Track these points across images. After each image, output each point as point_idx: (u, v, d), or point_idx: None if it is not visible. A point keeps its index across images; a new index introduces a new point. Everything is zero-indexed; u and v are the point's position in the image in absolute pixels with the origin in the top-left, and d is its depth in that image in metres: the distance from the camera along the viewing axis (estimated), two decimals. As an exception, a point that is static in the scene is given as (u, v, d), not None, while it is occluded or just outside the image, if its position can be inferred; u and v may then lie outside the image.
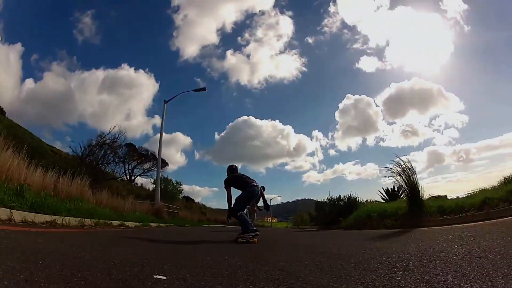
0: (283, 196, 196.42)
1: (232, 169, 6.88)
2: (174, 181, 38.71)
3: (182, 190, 39.97)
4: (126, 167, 39.63)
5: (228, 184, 6.49)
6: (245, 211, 6.91)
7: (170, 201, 28.02)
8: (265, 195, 7.89)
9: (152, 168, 40.77)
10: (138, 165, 40.96)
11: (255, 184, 6.55)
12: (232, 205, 6.32)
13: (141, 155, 41.64)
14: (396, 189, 13.48)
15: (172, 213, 22.54)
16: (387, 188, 14.44)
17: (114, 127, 23.64)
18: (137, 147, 41.55)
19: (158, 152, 22.38)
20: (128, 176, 39.80)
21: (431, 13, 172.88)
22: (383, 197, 14.37)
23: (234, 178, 6.63)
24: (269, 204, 9.40)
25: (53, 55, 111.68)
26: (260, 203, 10.21)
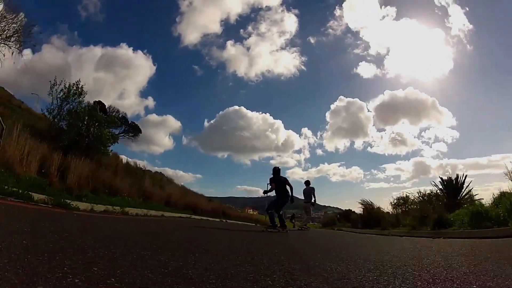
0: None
1: (276, 170, 9.28)
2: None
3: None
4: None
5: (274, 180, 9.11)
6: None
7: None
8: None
9: (124, 135, 33.89)
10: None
11: (287, 196, 9.02)
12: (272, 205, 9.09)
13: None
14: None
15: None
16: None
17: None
18: (106, 105, 34.28)
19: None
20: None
21: (435, 28, 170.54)
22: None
23: (277, 182, 9.06)
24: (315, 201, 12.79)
25: (54, 28, 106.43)
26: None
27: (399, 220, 11.72)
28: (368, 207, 14.54)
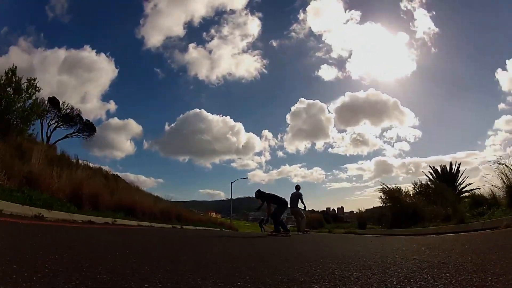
0: (226, 192, 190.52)
1: (261, 192, 9.74)
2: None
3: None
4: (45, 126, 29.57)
5: (265, 199, 9.72)
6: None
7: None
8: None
9: (78, 135, 31.33)
10: (59, 126, 30.92)
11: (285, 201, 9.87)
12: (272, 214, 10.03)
13: (66, 116, 31.62)
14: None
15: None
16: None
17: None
18: (60, 102, 31.44)
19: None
20: (45, 137, 29.55)
21: (399, 32, 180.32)
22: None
23: (271, 196, 9.75)
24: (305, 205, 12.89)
25: (23, 29, 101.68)
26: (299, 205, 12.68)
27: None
28: (395, 195, 12.11)
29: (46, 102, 31.31)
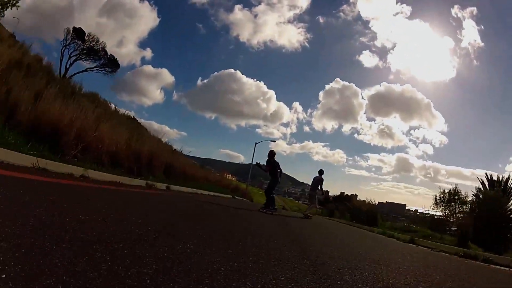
0: (246, 158, 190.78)
1: (273, 154, 10.29)
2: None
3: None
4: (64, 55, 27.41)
5: (271, 164, 10.17)
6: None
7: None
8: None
9: (100, 70, 29.06)
10: (80, 58, 28.65)
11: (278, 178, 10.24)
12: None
13: (90, 49, 29.20)
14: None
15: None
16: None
17: None
18: (86, 33, 28.93)
19: None
20: (63, 69, 27.42)
21: (445, 36, 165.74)
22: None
23: (276, 166, 10.11)
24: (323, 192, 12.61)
25: None
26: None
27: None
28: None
29: (70, 31, 29.31)
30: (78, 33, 28.89)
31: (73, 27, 29.31)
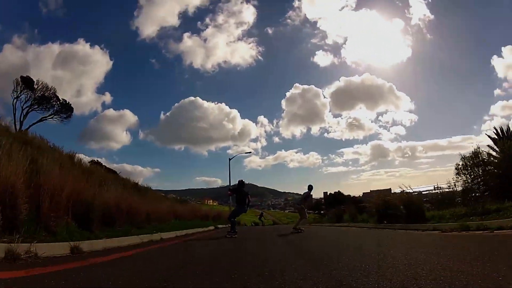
0: (223, 180, 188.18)
1: (241, 183, 10.31)
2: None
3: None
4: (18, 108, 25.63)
5: (233, 192, 10.70)
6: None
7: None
8: None
9: (54, 117, 27.36)
10: (33, 109, 26.87)
11: (245, 207, 10.19)
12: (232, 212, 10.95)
13: (42, 98, 27.44)
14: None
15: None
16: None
17: None
18: (35, 81, 27.26)
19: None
20: (18, 122, 25.46)
21: (394, 18, 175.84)
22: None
23: (241, 193, 10.14)
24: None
25: (16, 27, 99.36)
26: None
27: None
28: None
29: (19, 81, 27.57)
30: (27, 81, 27.27)
31: (20, 76, 27.67)
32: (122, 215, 7.37)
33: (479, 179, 9.48)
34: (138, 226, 7.80)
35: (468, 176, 9.66)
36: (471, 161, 9.69)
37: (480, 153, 9.68)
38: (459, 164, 9.99)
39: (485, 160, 9.62)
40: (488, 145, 10.55)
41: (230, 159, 31.12)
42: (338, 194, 61.13)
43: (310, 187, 12.35)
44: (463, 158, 9.82)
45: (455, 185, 10.26)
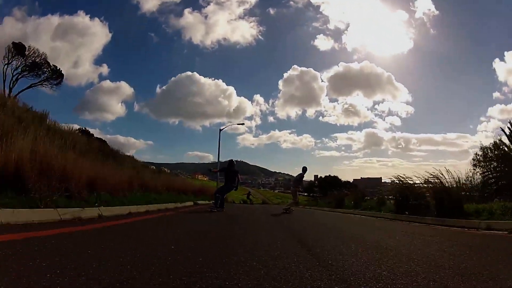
0: (215, 155, 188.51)
1: (231, 163, 10.88)
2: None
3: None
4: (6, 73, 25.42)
5: (223, 170, 11.16)
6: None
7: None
8: None
9: (45, 84, 27.21)
10: (23, 75, 26.66)
11: (234, 185, 10.56)
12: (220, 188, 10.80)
13: (33, 64, 27.14)
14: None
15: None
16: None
17: None
18: (26, 47, 26.90)
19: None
20: (7, 88, 25.31)
21: (398, 9, 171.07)
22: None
23: (231, 172, 10.58)
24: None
25: None
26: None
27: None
28: None
29: (10, 47, 27.15)
30: (18, 47, 26.91)
31: (12, 42, 27.27)
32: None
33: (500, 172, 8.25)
34: (71, 196, 5.45)
35: (490, 167, 8.43)
36: (494, 152, 8.37)
37: (504, 144, 8.38)
38: (479, 155, 8.76)
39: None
40: (500, 140, 9.13)
41: (220, 130, 30.27)
42: (334, 178, 58.53)
43: (305, 169, 12.53)
44: (483, 148, 8.62)
45: (473, 177, 8.82)
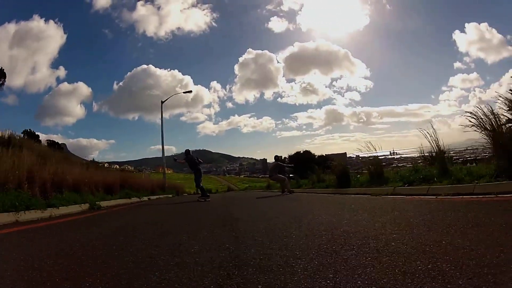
0: (177, 147, 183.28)
1: (187, 152, 11.42)
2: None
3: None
4: None
5: (186, 161, 11.40)
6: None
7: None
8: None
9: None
10: None
11: (198, 167, 11.30)
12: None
13: None
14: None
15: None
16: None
17: None
18: None
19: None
20: None
21: None
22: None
23: (191, 161, 11.23)
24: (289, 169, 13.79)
25: None
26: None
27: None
28: None
29: None
30: None
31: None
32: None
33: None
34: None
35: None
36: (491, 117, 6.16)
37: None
38: (471, 122, 6.98)
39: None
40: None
41: (162, 102, 24.97)
42: (306, 154, 49.38)
43: (276, 158, 13.23)
44: (474, 114, 6.63)
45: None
